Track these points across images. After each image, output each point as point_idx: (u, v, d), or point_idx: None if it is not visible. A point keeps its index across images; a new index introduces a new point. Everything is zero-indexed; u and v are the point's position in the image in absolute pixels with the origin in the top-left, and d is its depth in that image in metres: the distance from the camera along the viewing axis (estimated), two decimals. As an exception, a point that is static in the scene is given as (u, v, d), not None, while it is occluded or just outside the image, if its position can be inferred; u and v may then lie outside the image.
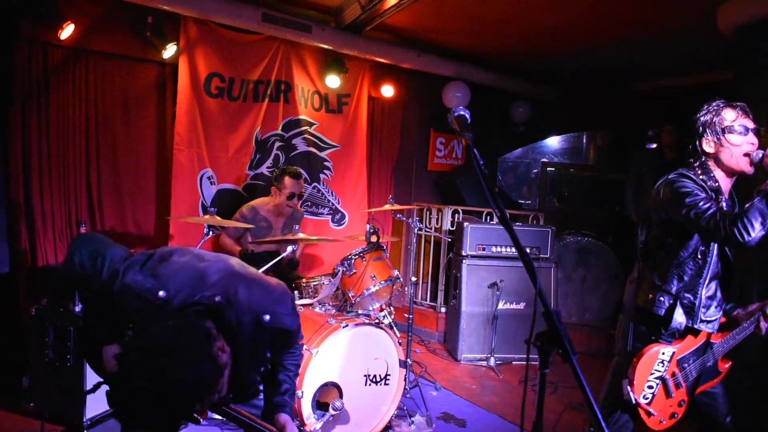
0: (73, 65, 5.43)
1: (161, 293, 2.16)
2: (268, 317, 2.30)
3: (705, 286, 3.03)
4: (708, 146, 3.01)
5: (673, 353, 3.02)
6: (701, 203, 2.81)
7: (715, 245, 2.99)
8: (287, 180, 5.52)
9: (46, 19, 5.00)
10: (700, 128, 3.03)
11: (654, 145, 8.15)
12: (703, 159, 3.05)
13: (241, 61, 6.38)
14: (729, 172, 3.03)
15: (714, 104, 3.03)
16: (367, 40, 6.89)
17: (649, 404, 2.99)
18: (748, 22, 4.91)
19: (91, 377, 4.27)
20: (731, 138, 2.94)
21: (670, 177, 3.05)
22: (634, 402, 2.97)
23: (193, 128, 6.10)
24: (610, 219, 8.26)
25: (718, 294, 3.09)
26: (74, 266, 2.29)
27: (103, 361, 2.31)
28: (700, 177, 2.99)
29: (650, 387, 3.00)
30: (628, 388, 2.97)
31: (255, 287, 2.37)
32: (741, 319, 3.11)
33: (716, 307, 3.09)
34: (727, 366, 3.13)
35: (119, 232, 5.79)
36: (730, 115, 2.97)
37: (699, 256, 3.01)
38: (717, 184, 2.99)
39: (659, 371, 3.00)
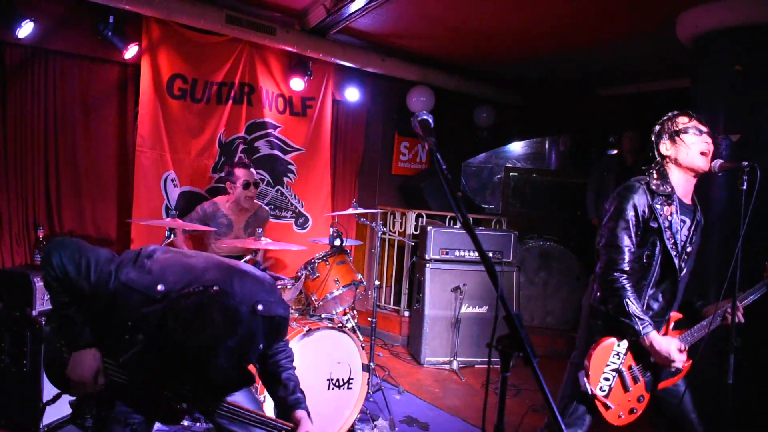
0: (32, 64, 5.32)
1: (159, 287, 2.24)
2: (261, 306, 2.35)
3: (649, 287, 3.14)
4: (665, 149, 3.17)
5: (628, 346, 3.08)
6: (621, 264, 3.05)
7: (660, 252, 3.10)
8: (237, 170, 5.48)
9: (3, 17, 4.89)
10: (657, 133, 3.20)
11: (615, 151, 8.28)
12: (662, 163, 3.19)
13: (204, 63, 6.32)
14: (688, 169, 3.15)
15: (671, 113, 3.22)
16: (332, 43, 6.88)
17: (606, 396, 3.03)
18: (704, 31, 5.02)
19: (48, 383, 4.19)
20: (686, 138, 3.10)
21: (620, 191, 3.17)
22: (590, 393, 3.00)
23: (156, 130, 6.02)
24: (572, 223, 8.37)
25: (660, 298, 3.18)
26: (53, 269, 2.30)
27: (73, 369, 2.31)
28: (654, 182, 3.13)
29: (607, 379, 3.04)
30: (584, 378, 3.01)
31: (247, 278, 2.43)
32: (709, 314, 3.19)
33: (660, 309, 3.18)
34: (687, 364, 3.17)
35: (79, 235, 5.68)
36: (683, 120, 3.15)
37: (644, 260, 3.12)
38: (670, 190, 3.12)
39: (615, 363, 3.06)
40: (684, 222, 3.16)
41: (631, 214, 3.06)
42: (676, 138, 3.11)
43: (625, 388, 3.08)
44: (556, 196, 9.09)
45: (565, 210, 8.70)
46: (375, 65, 7.42)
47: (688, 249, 3.18)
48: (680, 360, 3.02)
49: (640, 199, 3.07)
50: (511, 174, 9.45)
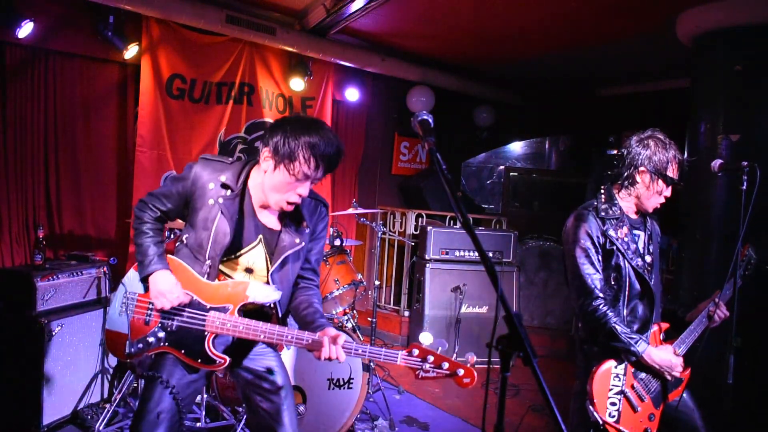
0: (32, 65, 5.31)
1: (228, 159, 2.80)
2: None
3: (625, 306, 3.12)
4: (641, 178, 3.10)
5: (626, 366, 3.06)
6: (594, 292, 3.03)
7: (630, 270, 3.09)
8: None
9: (3, 17, 4.88)
10: (643, 159, 3.08)
11: (614, 151, 8.27)
12: (614, 186, 3.20)
13: (204, 63, 6.31)
14: (637, 205, 3.17)
15: (665, 142, 3.10)
16: (332, 43, 6.88)
17: (617, 422, 2.98)
18: (704, 31, 5.02)
19: (48, 383, 4.20)
20: (661, 184, 3.06)
21: (573, 223, 3.19)
22: (601, 422, 2.96)
23: (156, 130, 6.01)
24: (572, 223, 8.35)
25: (640, 313, 3.16)
26: (148, 205, 2.85)
27: (155, 283, 2.67)
28: (602, 206, 3.14)
29: (613, 404, 3.00)
30: (591, 408, 2.97)
31: None
32: (693, 319, 3.18)
33: (641, 325, 3.15)
34: (686, 373, 3.16)
35: (79, 235, 5.68)
36: (671, 164, 3.06)
37: (613, 282, 3.11)
38: (619, 212, 3.13)
39: (617, 386, 3.02)
40: (638, 236, 3.17)
41: (588, 243, 3.05)
42: (656, 178, 3.05)
43: (634, 409, 3.04)
44: (556, 196, 9.08)
45: (565, 210, 8.65)
46: (375, 65, 7.42)
47: (648, 259, 3.17)
48: (679, 364, 3.02)
49: (591, 226, 3.07)
50: (511, 174, 9.45)
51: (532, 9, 5.72)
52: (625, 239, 3.09)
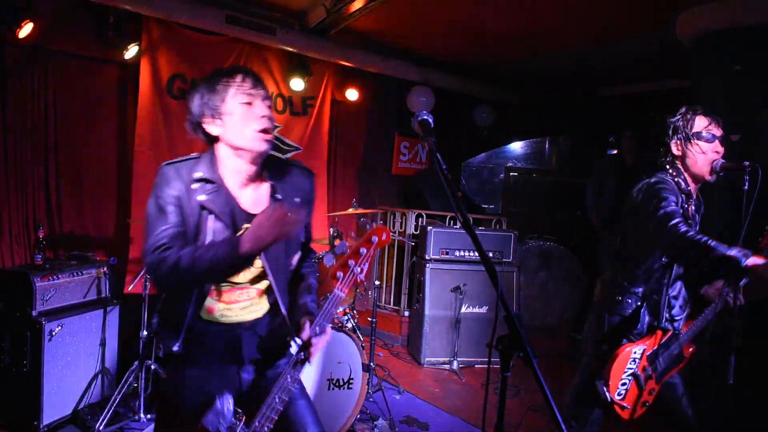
0: (32, 65, 5.30)
1: (193, 154, 2.40)
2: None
3: (670, 286, 3.11)
4: (676, 149, 3.13)
5: (644, 350, 3.10)
6: (672, 208, 2.89)
7: None
8: None
9: (3, 17, 4.87)
10: (671, 131, 3.13)
11: (614, 151, 8.27)
12: (674, 161, 3.15)
13: (204, 63, 6.29)
14: (693, 176, 3.12)
15: (689, 110, 3.13)
16: (332, 43, 6.87)
17: (622, 399, 3.06)
18: (704, 32, 5.02)
19: (48, 383, 4.20)
20: (699, 144, 3.05)
21: (651, 180, 3.11)
22: (610, 401, 3.03)
23: (156, 130, 6.00)
24: (572, 223, 8.36)
25: (683, 293, 3.17)
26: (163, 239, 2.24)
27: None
28: (675, 179, 3.09)
29: (623, 384, 3.06)
30: (604, 388, 3.02)
31: None
32: (710, 297, 3.20)
33: (680, 307, 3.16)
34: (691, 350, 3.21)
35: (79, 235, 5.67)
36: (700, 122, 3.08)
37: (664, 258, 3.09)
38: (688, 188, 3.10)
39: (632, 368, 3.08)
40: (695, 217, 3.17)
41: (672, 199, 2.94)
42: (688, 142, 3.06)
43: (640, 388, 3.10)
44: (556, 196, 9.07)
45: (565, 210, 8.69)
46: (375, 65, 7.41)
47: None
48: None
49: (673, 192, 3.00)
50: (511, 174, 9.45)
51: (532, 9, 5.71)
52: (690, 216, 3.07)
